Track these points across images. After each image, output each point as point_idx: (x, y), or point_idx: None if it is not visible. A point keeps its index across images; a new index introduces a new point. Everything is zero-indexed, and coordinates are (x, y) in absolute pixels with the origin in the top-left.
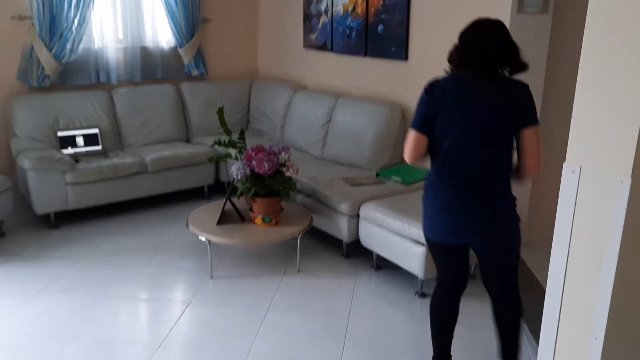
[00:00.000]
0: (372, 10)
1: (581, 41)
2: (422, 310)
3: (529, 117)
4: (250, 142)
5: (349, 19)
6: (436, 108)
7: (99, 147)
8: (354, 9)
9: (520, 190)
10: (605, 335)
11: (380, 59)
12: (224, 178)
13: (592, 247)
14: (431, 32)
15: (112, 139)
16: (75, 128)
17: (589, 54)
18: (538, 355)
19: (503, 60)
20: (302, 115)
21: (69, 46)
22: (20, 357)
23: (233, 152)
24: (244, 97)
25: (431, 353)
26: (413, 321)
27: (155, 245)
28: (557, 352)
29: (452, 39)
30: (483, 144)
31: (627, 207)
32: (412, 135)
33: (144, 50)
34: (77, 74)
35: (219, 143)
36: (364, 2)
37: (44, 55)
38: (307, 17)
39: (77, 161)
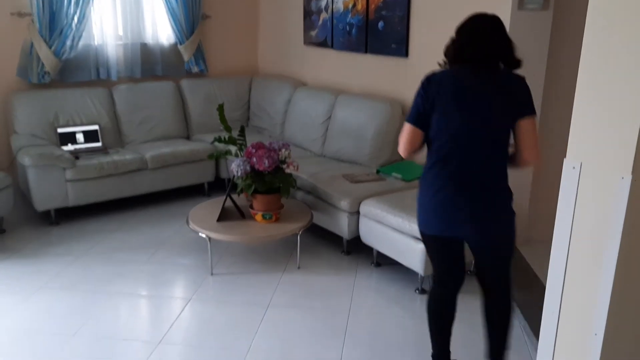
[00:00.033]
0: (372, 6)
1: (582, 38)
2: (422, 307)
3: (526, 107)
4: (251, 139)
5: (349, 15)
6: (433, 102)
7: (99, 144)
8: (354, 5)
9: (521, 187)
10: (605, 332)
11: (381, 56)
12: (224, 175)
13: (593, 243)
14: (432, 28)
15: (112, 135)
16: (75, 125)
17: (589, 52)
18: (538, 351)
19: (499, 54)
20: (302, 112)
21: (68, 43)
22: (20, 354)
23: (233, 149)
24: (244, 94)
25: (431, 349)
26: (413, 318)
27: (156, 242)
28: (557, 349)
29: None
30: (480, 137)
31: (628, 204)
32: (407, 129)
33: (144, 47)
34: (77, 71)
35: (219, 140)
36: None
37: (43, 52)
38: (308, 14)
39: (77, 158)
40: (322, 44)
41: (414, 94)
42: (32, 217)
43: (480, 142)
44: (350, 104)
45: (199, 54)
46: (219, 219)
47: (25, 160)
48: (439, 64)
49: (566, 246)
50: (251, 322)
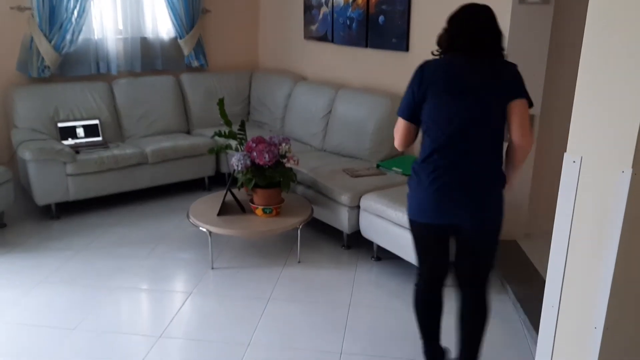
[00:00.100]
0: (372, 1)
1: (583, 32)
2: None
3: (516, 90)
4: (251, 133)
5: (350, 9)
6: (426, 90)
7: (99, 138)
8: (354, 0)
9: (521, 182)
10: (605, 325)
11: (381, 50)
12: (224, 169)
13: (592, 237)
14: (432, 23)
15: (112, 130)
16: (75, 119)
17: (590, 46)
18: (538, 345)
19: (489, 43)
20: (302, 106)
21: (68, 37)
22: (20, 348)
23: (233, 143)
24: (244, 89)
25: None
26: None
27: (156, 237)
28: (556, 342)
29: None
30: (474, 124)
31: (628, 198)
32: (401, 124)
33: (144, 41)
34: (77, 65)
35: (219, 134)
36: None
37: (43, 46)
38: (308, 8)
39: (77, 152)
40: (323, 38)
41: None
42: (32, 211)
43: (474, 127)
44: (351, 98)
45: (199, 49)
46: (220, 213)
47: (25, 154)
48: (433, 54)
49: (566, 240)
50: (251, 316)
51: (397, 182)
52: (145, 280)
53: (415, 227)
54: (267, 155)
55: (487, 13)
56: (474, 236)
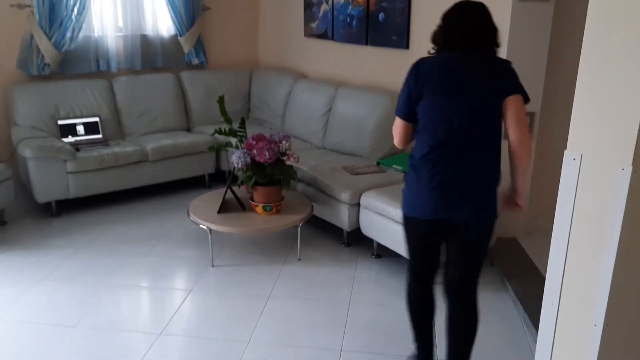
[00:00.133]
0: None
1: (583, 29)
2: None
3: (512, 87)
4: (251, 130)
5: (350, 7)
6: (422, 87)
7: (99, 136)
8: None
9: None
10: (605, 322)
11: (381, 48)
12: (224, 167)
13: (592, 235)
14: (433, 20)
15: (112, 127)
16: (75, 117)
17: (590, 46)
18: (537, 342)
19: (484, 40)
20: (302, 104)
21: (68, 34)
22: (21, 346)
23: (234, 141)
24: (244, 86)
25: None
26: None
27: (156, 234)
28: (556, 340)
29: None
30: (473, 122)
31: (628, 195)
32: (399, 124)
33: (144, 39)
34: (77, 63)
35: (219, 132)
36: None
37: (43, 44)
38: (308, 6)
39: (77, 150)
40: (323, 35)
41: None
42: (33, 209)
43: (474, 127)
44: (351, 96)
45: (199, 46)
46: (220, 211)
47: (26, 152)
48: (429, 53)
49: (566, 237)
50: (252, 314)
51: (398, 179)
52: (145, 277)
53: (412, 223)
54: (267, 153)
55: (481, 9)
56: (469, 233)
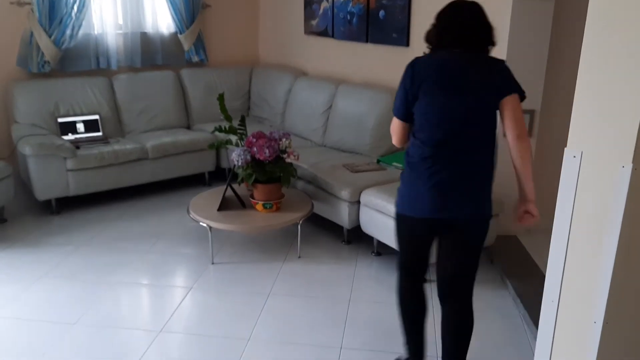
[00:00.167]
0: None
1: (583, 28)
2: None
3: (508, 86)
4: (251, 128)
5: (350, 4)
6: (418, 88)
7: (99, 134)
8: None
9: None
10: (604, 319)
11: (382, 45)
12: (224, 164)
13: (592, 232)
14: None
15: (112, 125)
16: (75, 114)
17: (590, 46)
18: (537, 340)
19: (477, 39)
20: (303, 101)
21: (68, 32)
22: (21, 343)
23: (234, 138)
24: (244, 84)
25: (429, 338)
26: None
27: (157, 232)
28: (556, 337)
29: None
30: (470, 121)
31: (628, 193)
32: (397, 124)
33: (144, 36)
34: (77, 60)
35: (219, 129)
36: None
37: (43, 41)
38: (308, 3)
39: (77, 147)
40: (323, 33)
41: None
42: (33, 206)
43: (472, 126)
44: (351, 93)
45: (199, 44)
46: (220, 209)
47: (25, 149)
48: (424, 53)
49: (566, 235)
50: (252, 311)
51: (398, 177)
52: (145, 275)
53: (408, 222)
54: (267, 151)
55: (474, 8)
56: (467, 233)
